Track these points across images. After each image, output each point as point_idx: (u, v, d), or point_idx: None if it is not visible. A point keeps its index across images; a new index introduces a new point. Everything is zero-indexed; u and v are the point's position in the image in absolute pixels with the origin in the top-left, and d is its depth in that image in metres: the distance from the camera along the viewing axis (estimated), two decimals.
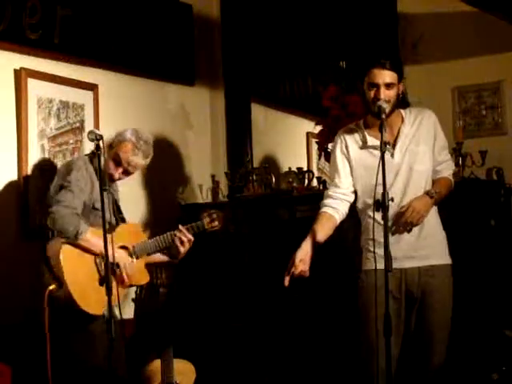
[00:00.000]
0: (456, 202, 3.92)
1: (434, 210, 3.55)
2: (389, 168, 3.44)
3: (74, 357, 3.52)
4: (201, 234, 3.86)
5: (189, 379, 4.09)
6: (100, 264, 3.52)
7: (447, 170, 3.65)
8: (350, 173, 3.64)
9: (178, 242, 3.74)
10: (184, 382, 4.01)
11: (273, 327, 4.62)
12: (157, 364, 3.98)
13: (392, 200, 3.17)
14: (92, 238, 3.52)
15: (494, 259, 4.18)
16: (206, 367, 4.39)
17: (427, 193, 3.48)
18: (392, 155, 3.54)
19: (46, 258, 3.50)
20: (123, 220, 3.90)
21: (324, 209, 3.64)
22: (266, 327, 4.64)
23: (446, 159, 3.65)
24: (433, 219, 3.56)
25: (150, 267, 4.15)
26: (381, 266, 3.30)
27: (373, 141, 3.59)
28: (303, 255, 3.53)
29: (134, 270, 3.65)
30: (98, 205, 3.56)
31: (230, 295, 4.78)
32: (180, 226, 3.76)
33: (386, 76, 3.45)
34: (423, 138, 3.58)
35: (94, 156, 3.62)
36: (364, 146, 3.61)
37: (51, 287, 3.44)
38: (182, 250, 3.76)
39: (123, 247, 3.66)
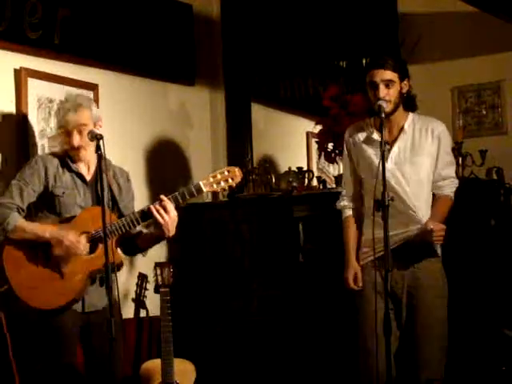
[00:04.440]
0: (456, 201, 3.92)
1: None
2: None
3: (43, 354, 3.41)
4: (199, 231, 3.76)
5: (189, 379, 4.09)
6: (47, 253, 3.40)
7: (450, 187, 3.63)
8: (355, 172, 3.70)
9: (154, 212, 3.44)
10: (184, 381, 4.01)
11: (273, 326, 4.62)
12: (157, 364, 3.99)
13: (392, 199, 3.18)
14: (26, 226, 3.42)
15: (494, 259, 4.18)
16: (207, 367, 4.39)
17: None
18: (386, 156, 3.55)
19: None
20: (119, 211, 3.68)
21: (347, 212, 3.73)
22: (265, 326, 4.64)
23: (450, 176, 3.64)
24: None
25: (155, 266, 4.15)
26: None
27: (377, 139, 3.59)
28: (354, 274, 3.63)
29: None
30: (59, 191, 3.49)
31: (230, 294, 4.78)
32: (161, 196, 3.50)
33: (383, 74, 3.48)
34: (424, 147, 3.58)
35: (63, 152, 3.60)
36: (369, 142, 3.64)
37: (2, 289, 3.38)
38: (161, 221, 3.42)
39: (84, 233, 3.45)
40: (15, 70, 4.12)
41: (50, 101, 4.27)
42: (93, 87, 4.49)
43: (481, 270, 4.14)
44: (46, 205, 3.53)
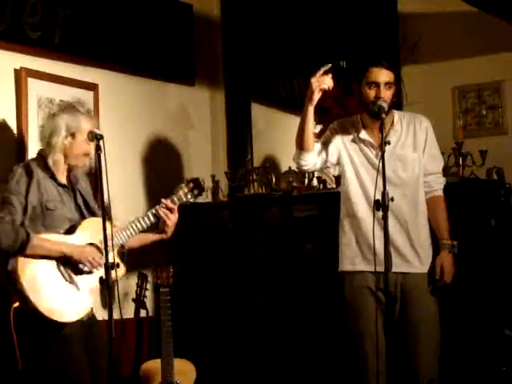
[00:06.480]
0: (456, 201, 3.92)
1: (425, 222, 3.57)
2: (373, 170, 3.45)
3: (50, 366, 3.38)
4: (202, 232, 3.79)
5: (189, 379, 4.09)
6: (61, 267, 3.40)
7: (437, 184, 3.60)
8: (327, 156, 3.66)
9: (162, 215, 3.63)
10: (184, 381, 4.02)
11: (274, 326, 4.63)
12: (157, 364, 3.99)
13: (392, 200, 3.16)
14: (42, 242, 3.36)
15: (494, 259, 4.18)
16: (207, 367, 4.40)
17: (449, 250, 3.53)
18: (376, 157, 3.52)
19: (7, 273, 3.36)
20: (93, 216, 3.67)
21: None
22: (266, 326, 4.64)
23: (437, 171, 3.61)
24: (424, 231, 3.58)
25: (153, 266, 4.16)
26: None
27: (367, 139, 3.57)
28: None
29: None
30: (52, 205, 3.45)
31: (230, 294, 4.78)
32: (162, 199, 3.68)
33: (386, 75, 3.46)
34: (414, 144, 3.55)
35: (41, 158, 3.53)
36: (357, 142, 3.60)
37: (15, 305, 3.32)
38: (169, 222, 3.66)
39: (90, 245, 3.47)
40: (15, 70, 4.12)
41: (50, 101, 4.27)
42: (93, 87, 4.50)
43: (481, 270, 4.13)
44: (37, 218, 3.44)
